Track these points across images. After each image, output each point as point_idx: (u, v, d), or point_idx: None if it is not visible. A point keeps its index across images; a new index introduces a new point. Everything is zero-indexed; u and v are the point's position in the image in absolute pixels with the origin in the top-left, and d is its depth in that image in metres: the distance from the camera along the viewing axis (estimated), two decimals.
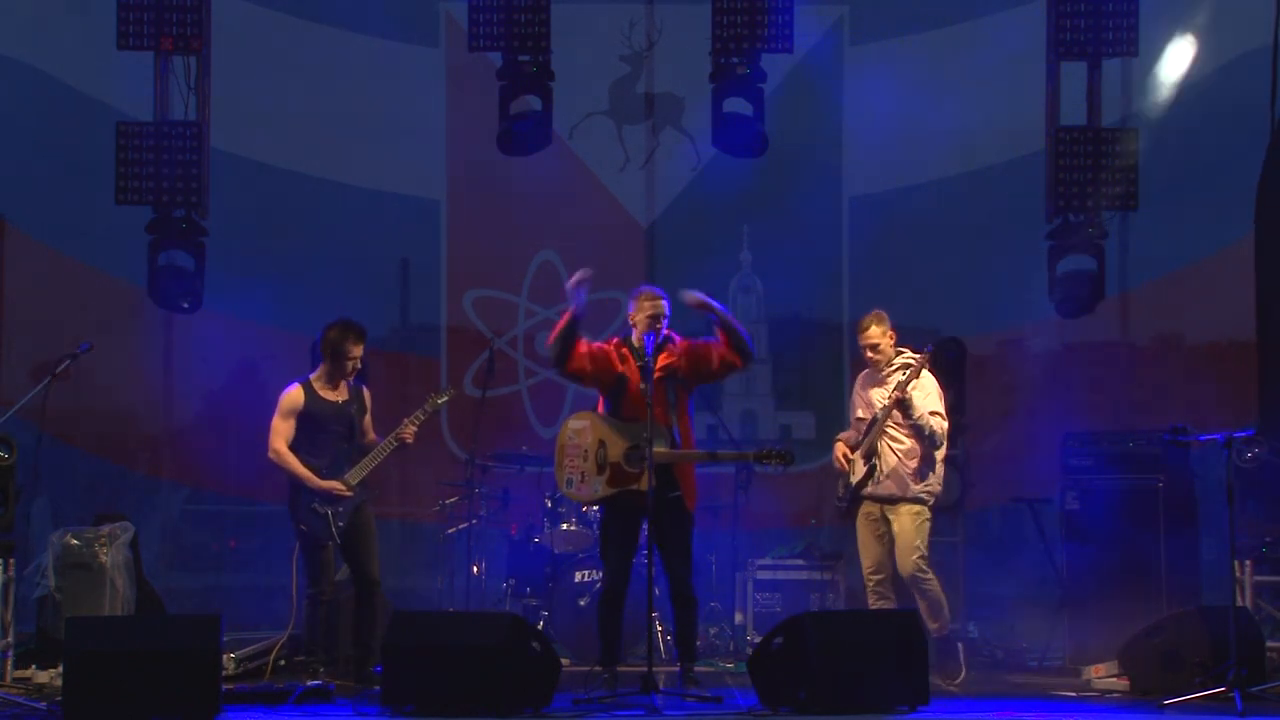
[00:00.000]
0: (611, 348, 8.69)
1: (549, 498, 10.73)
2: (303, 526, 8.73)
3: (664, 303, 8.60)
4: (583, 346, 8.60)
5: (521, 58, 11.16)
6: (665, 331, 8.61)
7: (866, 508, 9.08)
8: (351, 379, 8.89)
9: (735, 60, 11.12)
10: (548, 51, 11.19)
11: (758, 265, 12.89)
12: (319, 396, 8.80)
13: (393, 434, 8.83)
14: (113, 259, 11.96)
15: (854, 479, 9.04)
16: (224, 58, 11.37)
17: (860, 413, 9.20)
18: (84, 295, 12.11)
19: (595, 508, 9.75)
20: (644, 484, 8.27)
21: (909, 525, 8.97)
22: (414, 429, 8.82)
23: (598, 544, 10.21)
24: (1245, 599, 9.17)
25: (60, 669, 8.05)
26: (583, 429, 8.67)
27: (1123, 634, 8.97)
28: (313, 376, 8.88)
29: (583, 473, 8.61)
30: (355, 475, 8.76)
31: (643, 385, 8.41)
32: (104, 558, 9.55)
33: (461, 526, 10.67)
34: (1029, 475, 10.52)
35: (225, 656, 8.56)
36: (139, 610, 9.64)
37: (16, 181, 11.97)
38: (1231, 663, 7.97)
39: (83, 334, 9.64)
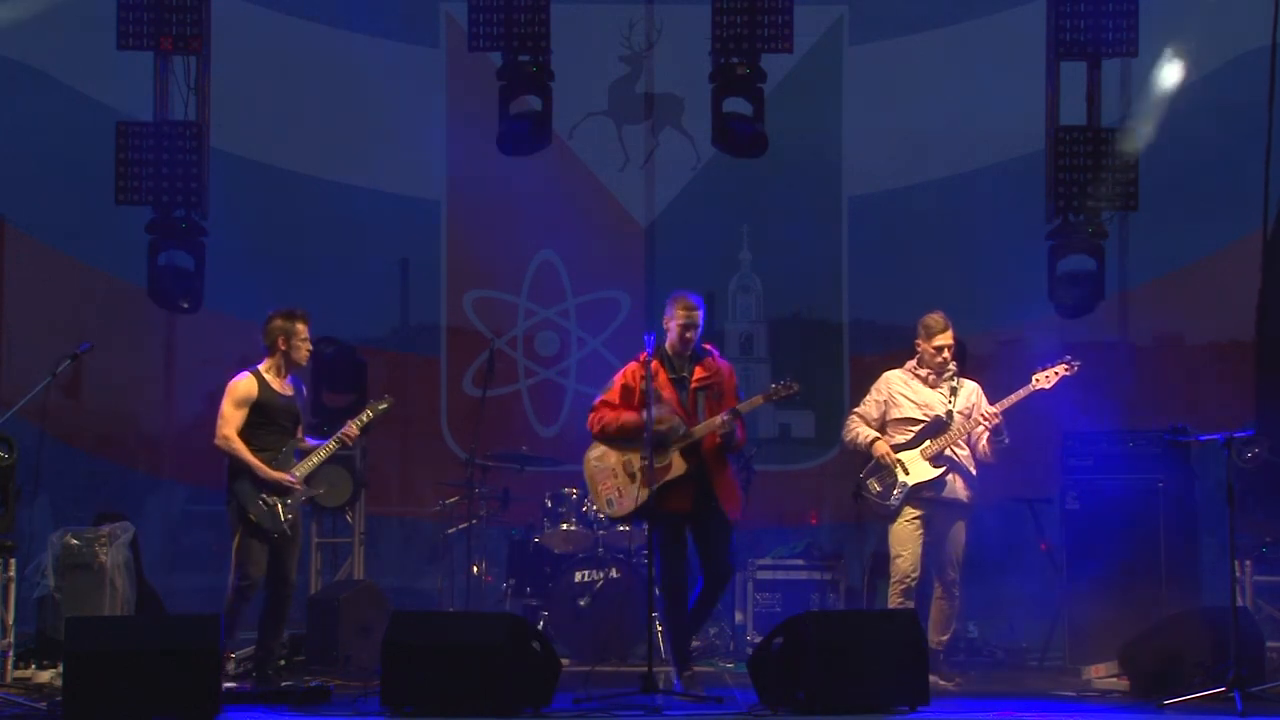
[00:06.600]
0: (638, 367, 8.65)
1: (549, 497, 10.76)
2: (251, 516, 8.58)
3: (699, 314, 8.70)
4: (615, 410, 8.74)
5: (521, 58, 11.14)
6: (706, 345, 8.74)
7: (911, 509, 9.05)
8: (302, 365, 8.81)
9: (735, 60, 11.11)
10: (548, 51, 11.17)
11: (758, 265, 12.88)
12: (270, 388, 8.69)
13: (338, 434, 8.74)
14: (113, 259, 11.95)
15: (908, 480, 8.99)
16: (224, 58, 11.35)
17: (910, 413, 9.08)
18: (84, 295, 12.11)
19: (625, 527, 9.88)
20: (675, 469, 8.50)
21: (962, 528, 9.06)
22: (357, 430, 8.78)
23: (598, 544, 10.30)
24: (1245, 599, 9.17)
25: (60, 669, 8.05)
26: (603, 453, 8.82)
27: (1123, 634, 8.97)
28: (262, 367, 8.74)
29: (618, 488, 8.73)
30: (302, 470, 8.66)
31: (669, 378, 8.58)
32: (104, 558, 9.56)
33: (461, 526, 10.68)
34: (1029, 475, 10.51)
35: (225, 656, 8.57)
36: (139, 610, 9.65)
37: (16, 181, 11.97)
38: (1231, 663, 7.96)
39: (83, 334, 9.64)
